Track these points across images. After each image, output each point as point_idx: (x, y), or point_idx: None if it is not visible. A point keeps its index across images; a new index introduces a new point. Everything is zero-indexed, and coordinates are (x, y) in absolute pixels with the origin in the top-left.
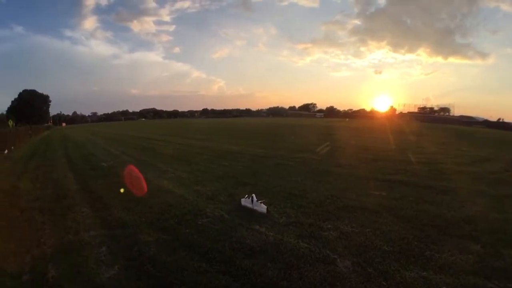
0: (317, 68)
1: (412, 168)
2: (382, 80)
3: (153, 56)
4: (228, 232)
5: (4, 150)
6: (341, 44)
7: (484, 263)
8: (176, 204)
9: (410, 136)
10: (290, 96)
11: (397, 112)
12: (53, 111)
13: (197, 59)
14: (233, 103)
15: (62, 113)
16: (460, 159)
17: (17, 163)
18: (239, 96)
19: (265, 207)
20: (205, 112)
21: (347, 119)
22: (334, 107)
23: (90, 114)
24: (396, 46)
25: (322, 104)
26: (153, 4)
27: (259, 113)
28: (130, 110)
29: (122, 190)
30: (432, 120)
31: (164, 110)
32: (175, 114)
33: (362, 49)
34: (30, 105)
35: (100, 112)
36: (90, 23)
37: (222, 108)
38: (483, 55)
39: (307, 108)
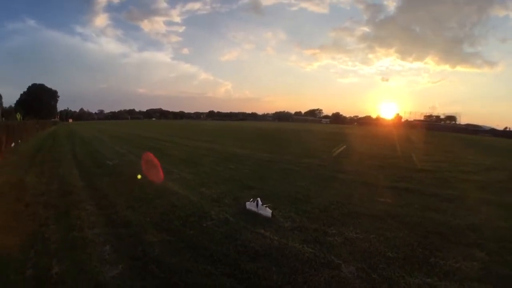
0: (325, 74)
1: (418, 175)
2: (389, 87)
3: (162, 56)
4: (233, 235)
5: (12, 143)
6: (349, 50)
7: (489, 270)
8: (181, 205)
9: (416, 143)
10: (297, 101)
11: (403, 120)
12: (60, 106)
13: (205, 61)
14: (239, 106)
15: (69, 109)
16: (466, 168)
17: (24, 157)
18: (245, 99)
19: (270, 211)
20: (211, 114)
21: (355, 123)
22: (340, 113)
23: (97, 112)
24: (404, 53)
25: (328, 110)
26: (164, 4)
27: (265, 117)
28: (137, 110)
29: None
30: (438, 128)
31: (170, 110)
32: (181, 115)
33: (370, 56)
34: (38, 100)
35: (107, 110)
36: (101, 20)
37: (229, 111)
38: (492, 63)
39: (313, 114)
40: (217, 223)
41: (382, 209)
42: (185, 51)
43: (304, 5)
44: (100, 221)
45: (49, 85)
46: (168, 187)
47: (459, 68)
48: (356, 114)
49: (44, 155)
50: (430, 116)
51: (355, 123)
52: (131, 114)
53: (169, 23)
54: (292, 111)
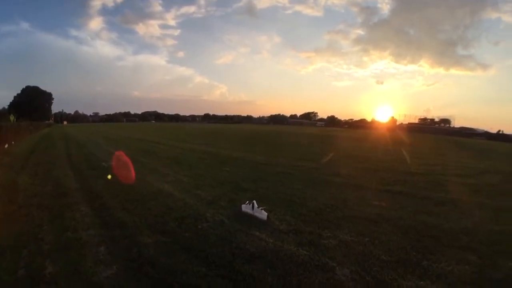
0: (319, 77)
1: (412, 179)
2: (384, 90)
3: (157, 59)
4: (228, 237)
5: (5, 145)
6: (344, 53)
7: (482, 274)
8: (176, 207)
9: (410, 147)
10: (292, 104)
11: (398, 123)
12: (55, 109)
13: (201, 64)
14: (234, 109)
15: (64, 111)
16: (459, 171)
17: (17, 159)
18: (241, 102)
19: (266, 213)
20: (207, 117)
21: (345, 126)
22: (335, 116)
23: (91, 114)
24: (398, 56)
25: (323, 113)
26: (159, 8)
27: (260, 120)
28: (132, 112)
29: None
30: (432, 131)
31: (166, 113)
32: (176, 118)
33: (365, 59)
34: (32, 102)
35: (102, 112)
36: (96, 23)
37: (224, 114)
38: (484, 66)
39: (308, 117)
40: (213, 225)
41: (376, 212)
42: (180, 54)
43: (298, 8)
44: (95, 222)
45: (43, 87)
46: (163, 189)
47: (453, 71)
48: (351, 117)
49: (38, 156)
50: (424, 119)
51: (346, 126)
52: (126, 116)
53: (164, 27)
54: (287, 114)
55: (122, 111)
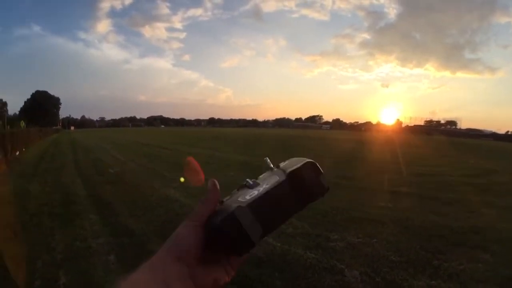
0: (325, 81)
1: (418, 180)
2: (389, 93)
3: (163, 63)
4: None
5: (16, 152)
6: (350, 57)
7: (495, 272)
8: (183, 213)
9: (416, 148)
10: (297, 107)
11: (403, 125)
12: (62, 113)
13: (206, 67)
14: (240, 113)
15: (71, 116)
16: (467, 171)
17: (28, 166)
18: (246, 106)
19: None
20: (212, 121)
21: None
22: (341, 119)
23: (98, 119)
24: (404, 60)
25: (328, 116)
26: (166, 11)
27: (265, 123)
28: (138, 117)
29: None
30: (439, 133)
31: (171, 118)
32: (182, 122)
33: (370, 62)
34: (41, 107)
35: (108, 117)
36: (103, 26)
37: (229, 118)
38: (493, 69)
39: (314, 120)
40: None
41: (383, 213)
42: (186, 57)
43: (305, 12)
44: (104, 230)
45: (52, 91)
46: (169, 194)
47: (460, 74)
48: (356, 120)
49: (47, 163)
50: (430, 121)
51: (353, 129)
52: (132, 121)
53: (171, 29)
54: (293, 118)
55: (128, 115)
